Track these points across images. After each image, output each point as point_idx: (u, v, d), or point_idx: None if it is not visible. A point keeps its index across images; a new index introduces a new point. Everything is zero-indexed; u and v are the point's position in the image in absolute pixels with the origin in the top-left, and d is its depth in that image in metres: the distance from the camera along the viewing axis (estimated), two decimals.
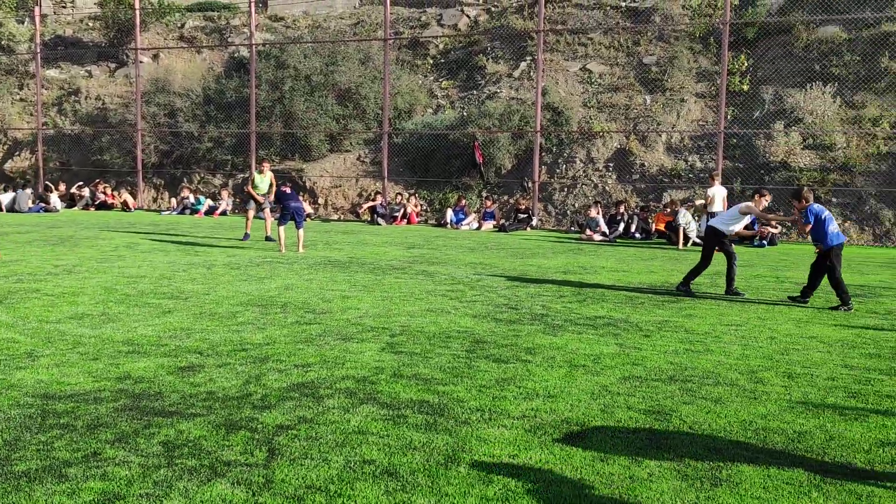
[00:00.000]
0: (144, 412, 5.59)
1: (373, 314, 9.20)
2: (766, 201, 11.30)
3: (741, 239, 17.63)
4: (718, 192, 17.83)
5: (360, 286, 11.22)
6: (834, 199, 20.42)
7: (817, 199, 20.38)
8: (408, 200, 23.24)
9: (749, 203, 11.32)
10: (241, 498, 4.27)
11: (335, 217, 24.97)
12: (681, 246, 18.15)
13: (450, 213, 22.26)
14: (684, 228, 18.32)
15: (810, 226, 10.37)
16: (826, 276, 10.34)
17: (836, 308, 10.20)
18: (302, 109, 26.34)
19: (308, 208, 24.30)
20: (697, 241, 18.22)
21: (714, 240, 11.31)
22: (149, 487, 4.37)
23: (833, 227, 10.33)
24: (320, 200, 25.76)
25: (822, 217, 10.31)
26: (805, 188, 10.81)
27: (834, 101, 21.81)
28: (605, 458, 4.92)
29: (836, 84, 22.07)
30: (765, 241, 18.24)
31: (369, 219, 23.04)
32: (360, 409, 5.76)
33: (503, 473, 4.65)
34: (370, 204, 23.24)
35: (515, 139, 24.50)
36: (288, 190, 15.74)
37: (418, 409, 5.79)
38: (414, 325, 8.61)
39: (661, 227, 19.99)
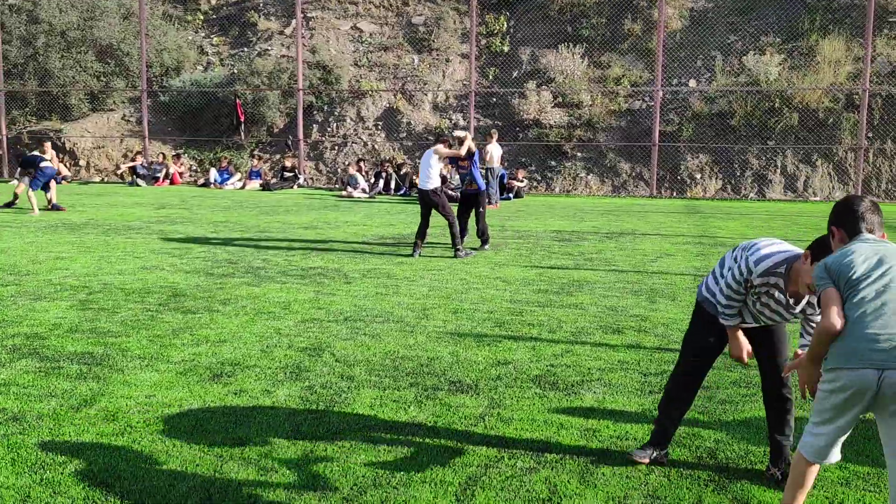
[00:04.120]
0: None
1: (80, 274, 9.13)
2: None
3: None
4: (495, 150, 18.05)
5: (83, 247, 11.03)
6: (579, 154, 21.96)
7: (564, 154, 21.91)
8: (170, 160, 22.68)
9: (437, 146, 11.08)
10: None
11: (97, 179, 23.96)
12: None
13: (213, 173, 21.99)
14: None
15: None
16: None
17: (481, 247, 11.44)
18: (58, 67, 24.95)
19: (65, 170, 23.17)
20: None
21: (428, 200, 10.94)
22: None
23: None
24: (81, 162, 24.62)
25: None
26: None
27: (582, 62, 23.33)
28: (239, 393, 5.30)
29: (585, 45, 23.61)
30: (511, 195, 19.35)
31: (130, 180, 22.32)
32: (16, 363, 5.83)
33: (133, 412, 4.92)
34: (129, 164, 22.51)
35: (286, 97, 24.46)
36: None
37: (78, 360, 5.93)
38: (117, 283, 8.65)
39: None
